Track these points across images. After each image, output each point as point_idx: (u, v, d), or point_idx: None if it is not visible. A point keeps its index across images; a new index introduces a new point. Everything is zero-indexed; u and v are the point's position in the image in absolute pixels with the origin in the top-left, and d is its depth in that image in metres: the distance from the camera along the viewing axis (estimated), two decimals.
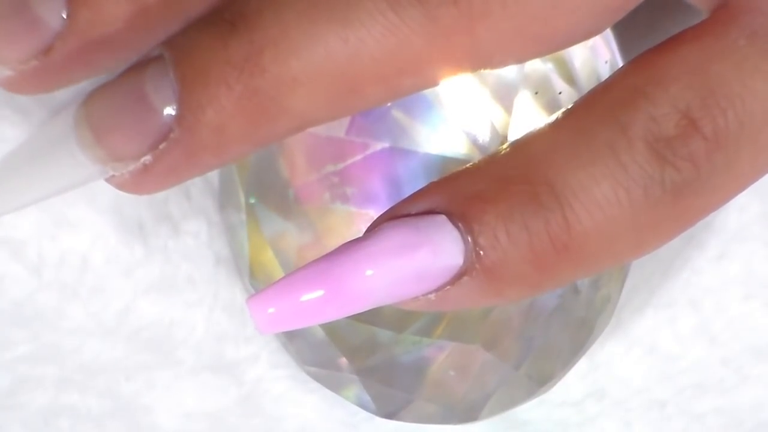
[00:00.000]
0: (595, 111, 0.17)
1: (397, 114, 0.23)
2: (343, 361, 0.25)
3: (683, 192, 0.17)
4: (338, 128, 0.23)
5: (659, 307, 0.28)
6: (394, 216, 0.18)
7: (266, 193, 0.24)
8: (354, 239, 0.17)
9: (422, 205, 0.18)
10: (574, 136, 0.17)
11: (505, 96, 0.23)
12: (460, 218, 0.17)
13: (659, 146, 0.17)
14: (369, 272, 0.17)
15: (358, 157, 0.23)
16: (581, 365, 0.28)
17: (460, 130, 0.23)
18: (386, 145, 0.23)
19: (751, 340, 0.28)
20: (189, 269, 0.26)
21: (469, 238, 0.17)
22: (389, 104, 0.23)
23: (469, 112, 0.23)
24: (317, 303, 0.17)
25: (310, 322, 0.17)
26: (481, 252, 0.17)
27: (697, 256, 0.28)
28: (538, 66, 0.23)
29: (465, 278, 0.17)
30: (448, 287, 0.17)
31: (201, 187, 0.25)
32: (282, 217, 0.24)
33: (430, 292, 0.17)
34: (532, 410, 0.28)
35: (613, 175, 0.17)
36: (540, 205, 0.17)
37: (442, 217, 0.17)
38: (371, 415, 0.26)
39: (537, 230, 0.17)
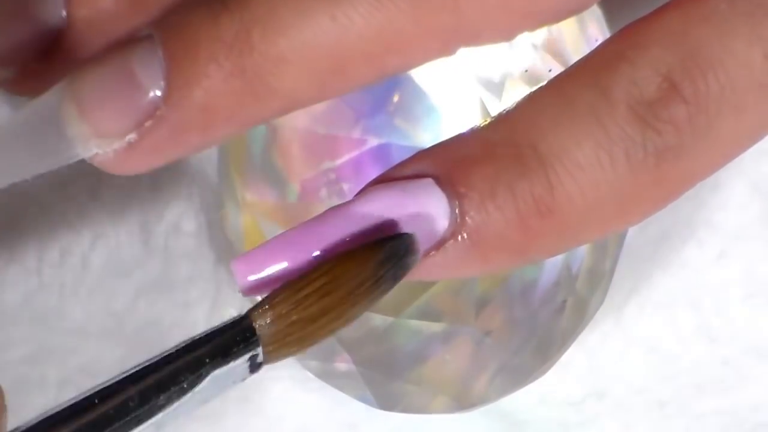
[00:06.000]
0: (578, 76, 0.17)
1: (392, 110, 0.23)
2: (343, 354, 0.25)
3: (665, 155, 0.17)
4: (338, 125, 0.23)
5: (659, 307, 0.28)
6: (382, 181, 0.18)
7: (264, 190, 0.24)
8: (341, 203, 0.17)
9: (410, 170, 0.18)
10: (557, 100, 0.17)
11: (496, 79, 0.23)
12: (446, 181, 0.17)
13: (640, 109, 0.17)
14: (353, 233, 0.17)
15: (355, 153, 0.23)
16: (581, 365, 0.28)
17: (455, 122, 0.23)
18: (383, 141, 0.23)
19: (751, 340, 0.28)
20: (189, 269, 0.26)
21: (455, 200, 0.17)
22: (387, 104, 0.23)
23: (462, 103, 0.23)
24: (302, 266, 0.17)
25: None
26: (466, 214, 0.17)
27: (697, 256, 0.28)
28: (526, 44, 0.23)
29: (450, 242, 0.17)
30: (432, 252, 0.17)
31: (201, 187, 0.25)
32: (280, 214, 0.24)
33: None
34: (532, 410, 0.28)
35: (594, 137, 0.17)
36: (525, 167, 0.17)
37: (429, 180, 0.17)
38: (371, 415, 0.26)
39: (522, 192, 0.17)
